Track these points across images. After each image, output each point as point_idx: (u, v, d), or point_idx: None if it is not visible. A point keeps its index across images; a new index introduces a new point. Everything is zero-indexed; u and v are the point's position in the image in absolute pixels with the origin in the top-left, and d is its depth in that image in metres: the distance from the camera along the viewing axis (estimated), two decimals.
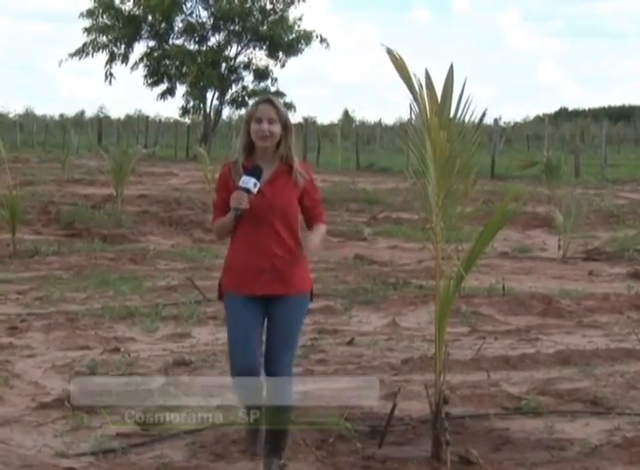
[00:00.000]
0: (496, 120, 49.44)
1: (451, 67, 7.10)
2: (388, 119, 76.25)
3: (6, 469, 6.97)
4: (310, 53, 57.88)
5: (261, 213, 6.75)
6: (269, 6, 57.10)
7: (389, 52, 7.00)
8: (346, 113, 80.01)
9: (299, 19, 57.51)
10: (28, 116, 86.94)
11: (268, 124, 6.71)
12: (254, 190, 6.64)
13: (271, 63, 59.08)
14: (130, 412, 8.18)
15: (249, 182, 6.63)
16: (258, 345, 6.78)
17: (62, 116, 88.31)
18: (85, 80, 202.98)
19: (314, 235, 6.84)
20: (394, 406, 7.59)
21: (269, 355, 6.81)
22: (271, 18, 57.15)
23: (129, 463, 7.02)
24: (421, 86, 7.00)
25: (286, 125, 6.81)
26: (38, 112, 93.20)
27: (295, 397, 7.03)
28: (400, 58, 6.99)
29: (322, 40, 58.00)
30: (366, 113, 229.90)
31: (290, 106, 59.20)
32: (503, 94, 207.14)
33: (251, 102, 59.17)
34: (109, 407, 8.36)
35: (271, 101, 6.86)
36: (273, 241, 6.78)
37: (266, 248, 6.77)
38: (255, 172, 6.69)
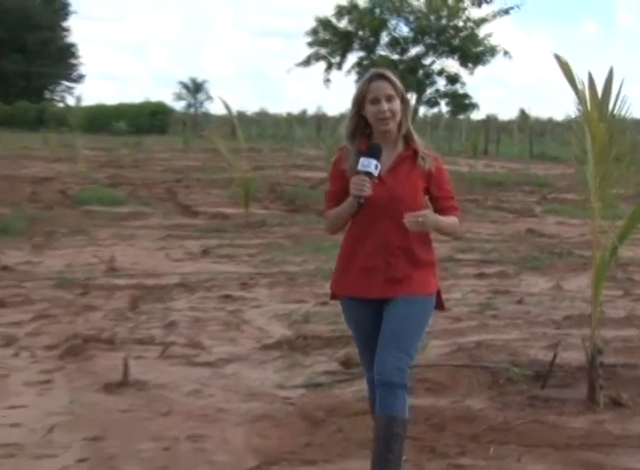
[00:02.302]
0: None
1: (611, 69, 6.94)
2: (558, 116, 74.94)
3: (236, 396, 7.08)
4: (493, 61, 57.58)
5: (381, 205, 4.97)
6: (461, 24, 56.74)
7: (557, 57, 6.88)
8: (522, 111, 78.38)
9: (489, 35, 56.92)
10: (262, 113, 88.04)
11: (388, 103, 4.97)
12: (376, 172, 4.91)
13: (461, 70, 58.65)
14: (336, 354, 8.23)
15: (369, 165, 4.88)
16: None
17: (288, 113, 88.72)
18: (307, 85, 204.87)
19: (440, 217, 5.06)
20: (555, 355, 7.43)
21: (382, 359, 4.97)
22: (462, 33, 56.75)
23: (334, 396, 7.02)
24: (583, 85, 6.86)
25: (403, 98, 5.07)
26: (270, 110, 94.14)
27: (407, 412, 5.04)
28: (566, 62, 6.87)
29: (505, 53, 57.35)
30: (539, 110, 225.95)
31: (474, 105, 58.87)
32: None
33: (443, 102, 59.83)
34: (319, 349, 8.42)
35: (384, 75, 5.07)
36: (393, 237, 5.02)
37: (384, 244, 5.03)
38: (374, 152, 4.94)
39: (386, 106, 4.96)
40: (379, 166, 4.93)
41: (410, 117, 5.14)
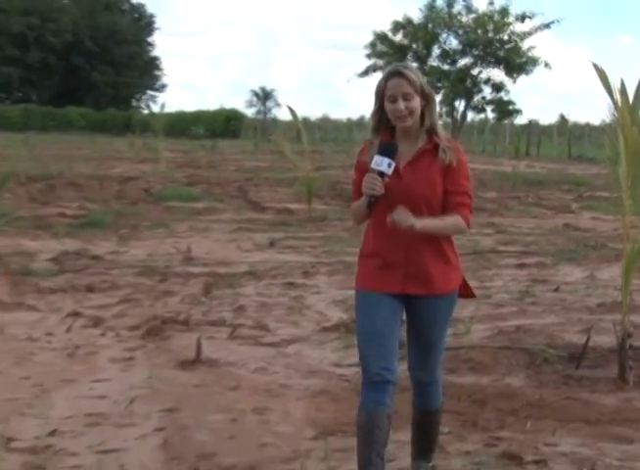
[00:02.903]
0: None
1: None
2: (595, 121, 74.18)
3: (297, 373, 7.08)
4: (535, 70, 57.56)
5: (398, 200, 4.34)
6: (506, 37, 56.51)
7: (595, 65, 6.81)
8: (562, 116, 77.79)
9: (533, 48, 56.60)
10: (325, 119, 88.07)
11: (405, 102, 4.32)
12: (389, 171, 4.31)
13: (505, 79, 58.36)
14: None
15: (381, 163, 4.30)
16: (394, 348, 4.43)
17: (348, 119, 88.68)
18: (366, 93, 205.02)
19: (429, 220, 4.37)
20: (589, 338, 7.34)
21: (412, 362, 4.73)
22: (507, 46, 56.49)
23: None
24: (618, 92, 6.78)
25: (424, 94, 4.39)
26: (332, 116, 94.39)
27: (442, 398, 4.95)
28: (602, 70, 6.79)
29: (546, 64, 57.00)
30: (578, 116, 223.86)
31: (517, 111, 58.56)
32: None
33: (489, 109, 59.42)
34: None
35: (400, 73, 4.37)
36: (411, 232, 4.31)
37: (401, 239, 4.38)
38: (389, 150, 4.34)
39: (402, 105, 4.34)
40: (392, 165, 4.32)
41: (435, 112, 4.50)
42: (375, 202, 4.35)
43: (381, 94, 4.42)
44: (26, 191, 20.34)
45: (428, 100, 4.42)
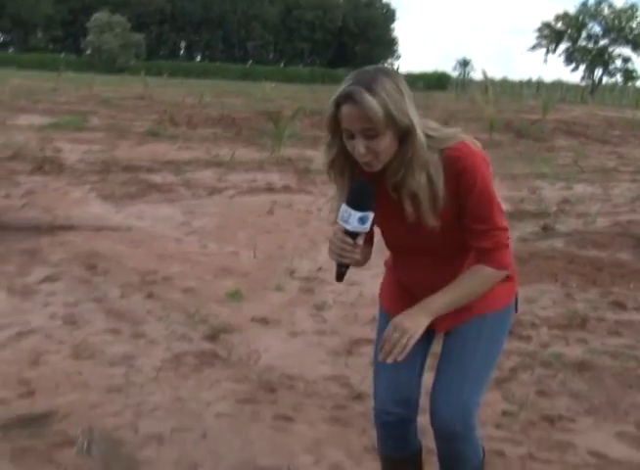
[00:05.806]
0: None
1: None
2: None
3: None
4: None
5: (409, 244, 1.93)
6: (635, 25, 52.68)
7: None
8: None
9: None
10: (504, 80, 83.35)
11: (366, 140, 1.67)
12: (363, 228, 1.72)
13: (632, 54, 54.38)
14: (539, 222, 7.71)
15: (349, 219, 1.70)
16: (415, 383, 2.03)
17: (520, 80, 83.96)
18: (533, 62, 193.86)
19: (437, 301, 1.83)
20: None
21: (438, 396, 1.90)
22: (635, 31, 52.86)
23: (534, 246, 6.50)
24: None
25: (397, 124, 1.66)
26: (509, 78, 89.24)
27: (479, 460, 1.99)
28: None
29: None
30: None
31: (639, 77, 54.15)
32: None
33: (618, 75, 54.92)
34: (527, 219, 7.90)
35: (354, 98, 1.66)
36: (445, 272, 1.89)
37: (434, 280, 1.88)
38: (362, 195, 1.71)
39: (362, 146, 1.74)
40: (370, 218, 1.78)
41: (421, 143, 1.77)
42: (345, 271, 1.87)
43: (332, 122, 1.83)
44: (309, 120, 20.57)
45: (405, 132, 1.76)
